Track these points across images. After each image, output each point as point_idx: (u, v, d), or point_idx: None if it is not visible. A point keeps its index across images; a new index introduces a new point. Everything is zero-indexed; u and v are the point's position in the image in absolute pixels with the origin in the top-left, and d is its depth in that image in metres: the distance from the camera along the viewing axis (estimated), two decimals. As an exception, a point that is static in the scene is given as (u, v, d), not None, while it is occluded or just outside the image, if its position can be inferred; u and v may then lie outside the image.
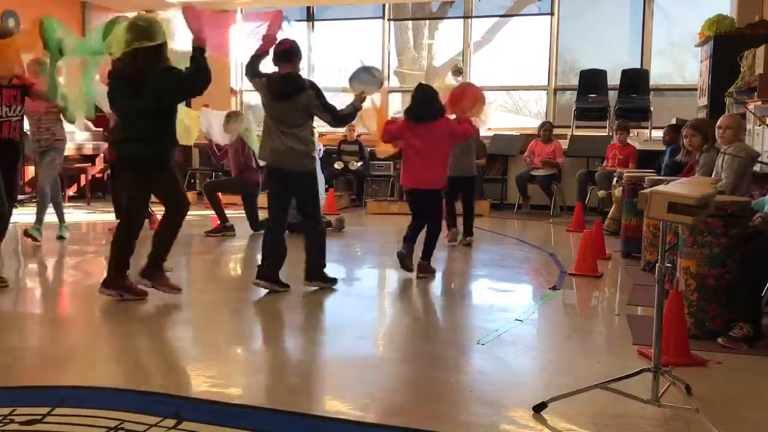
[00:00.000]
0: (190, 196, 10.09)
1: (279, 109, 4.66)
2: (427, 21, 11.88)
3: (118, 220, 4.67)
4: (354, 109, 4.88)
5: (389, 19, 11.18)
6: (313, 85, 4.69)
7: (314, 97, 4.65)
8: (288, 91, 4.62)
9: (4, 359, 3.41)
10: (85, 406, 2.79)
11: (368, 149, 10.19)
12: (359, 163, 10.11)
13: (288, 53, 4.66)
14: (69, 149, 9.80)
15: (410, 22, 11.88)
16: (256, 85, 4.81)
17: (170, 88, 4.25)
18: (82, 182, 10.35)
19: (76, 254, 6.24)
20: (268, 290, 4.74)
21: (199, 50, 4.22)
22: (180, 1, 10.95)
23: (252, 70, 4.81)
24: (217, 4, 10.95)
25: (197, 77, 4.23)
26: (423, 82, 5.63)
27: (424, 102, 5.25)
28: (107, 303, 4.53)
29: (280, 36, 4.77)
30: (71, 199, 10.14)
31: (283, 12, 4.81)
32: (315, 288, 4.85)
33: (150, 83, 4.17)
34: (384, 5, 10.98)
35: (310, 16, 11.39)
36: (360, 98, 4.90)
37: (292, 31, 4.83)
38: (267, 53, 4.75)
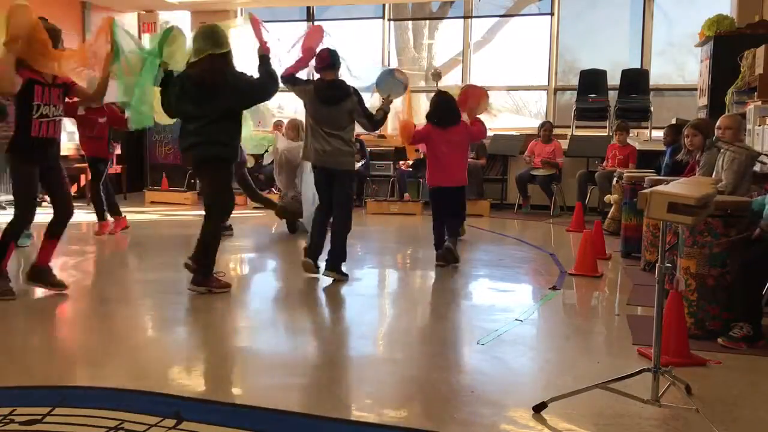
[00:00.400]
0: (190, 196, 10.16)
1: (325, 113, 5.01)
2: (427, 21, 11.88)
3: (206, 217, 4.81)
4: (384, 114, 5.23)
5: (389, 19, 11.18)
6: (356, 92, 5.06)
7: (357, 103, 5.04)
8: (336, 96, 4.98)
9: (4, 359, 3.41)
10: (85, 406, 2.79)
11: (368, 149, 10.19)
12: (360, 163, 10.09)
13: (332, 63, 5.01)
14: (69, 149, 9.84)
15: (410, 22, 11.88)
16: (299, 91, 5.12)
17: (243, 93, 4.56)
18: (82, 182, 10.35)
19: (76, 254, 6.24)
20: (312, 274, 5.08)
21: (264, 58, 4.61)
22: (180, 2, 10.97)
23: (294, 79, 5.11)
24: (217, 4, 10.97)
25: (268, 84, 4.63)
26: (441, 89, 5.99)
27: (446, 108, 5.68)
28: (107, 303, 4.53)
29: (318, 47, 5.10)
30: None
31: (323, 27, 5.10)
32: (331, 279, 5.12)
33: (224, 87, 4.45)
34: (384, 5, 10.98)
35: (310, 16, 11.40)
36: (387, 102, 5.27)
37: (329, 40, 5.19)
38: (307, 65, 5.04)
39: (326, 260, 5.15)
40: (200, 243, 4.68)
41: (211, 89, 4.45)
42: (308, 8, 11.33)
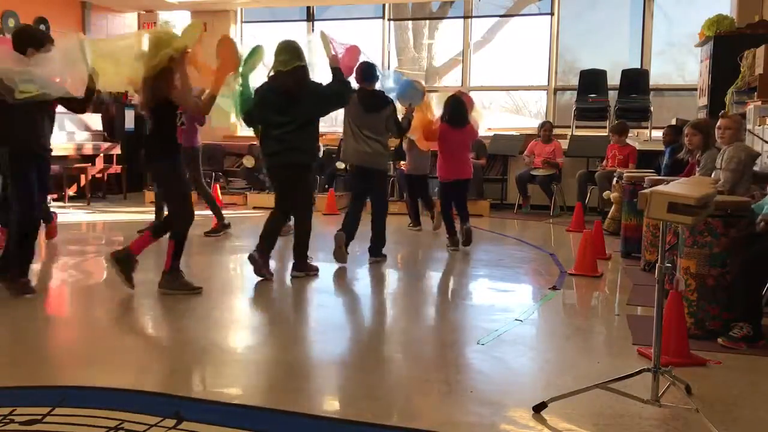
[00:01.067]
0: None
1: (367, 119, 5.62)
2: (427, 21, 11.88)
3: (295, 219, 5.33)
4: (409, 122, 5.97)
5: (389, 19, 11.18)
6: (392, 102, 5.77)
7: (392, 112, 5.74)
8: (378, 104, 5.64)
9: (4, 359, 3.41)
10: (85, 406, 2.79)
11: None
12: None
13: (372, 75, 5.69)
14: (69, 149, 9.84)
15: (410, 22, 11.88)
16: None
17: (324, 100, 5.07)
18: (82, 182, 10.35)
19: (77, 254, 6.24)
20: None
21: (337, 69, 5.12)
22: (180, 2, 10.97)
23: None
24: (217, 4, 10.98)
25: (344, 91, 5.17)
26: (454, 94, 6.64)
27: (460, 111, 6.37)
28: (107, 303, 4.53)
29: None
30: (71, 199, 10.15)
31: (359, 47, 5.56)
32: (377, 261, 5.88)
33: (307, 95, 4.94)
34: (384, 5, 10.98)
35: (310, 16, 11.40)
36: (410, 110, 5.98)
37: (365, 56, 5.68)
38: None
39: (369, 248, 5.90)
40: (295, 238, 5.28)
41: (295, 98, 4.90)
42: (308, 8, 11.34)
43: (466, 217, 6.58)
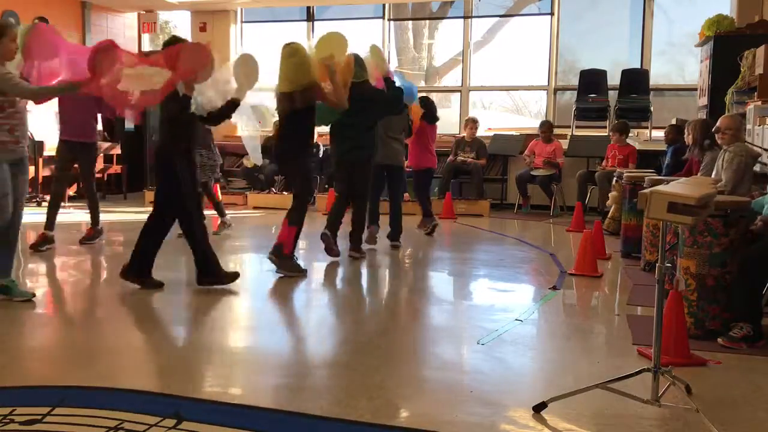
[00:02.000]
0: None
1: (391, 120, 6.33)
2: (427, 21, 11.88)
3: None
4: (412, 122, 6.81)
5: (389, 19, 11.18)
6: (407, 105, 6.41)
7: (408, 113, 6.59)
8: (400, 107, 6.20)
9: (4, 359, 3.41)
10: (85, 406, 2.79)
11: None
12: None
13: (395, 81, 6.22)
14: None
15: (410, 22, 11.88)
16: None
17: (386, 105, 5.89)
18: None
19: (77, 254, 6.24)
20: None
21: (389, 80, 5.95)
22: (180, 2, 10.97)
23: None
24: (218, 4, 10.98)
25: (400, 98, 5.99)
26: (427, 96, 7.55)
27: (434, 110, 7.27)
28: (107, 303, 4.53)
29: None
30: (71, 199, 10.13)
31: None
32: (397, 244, 6.60)
33: (374, 102, 5.72)
34: (384, 5, 10.98)
35: (310, 16, 11.40)
36: (409, 111, 6.65)
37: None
38: None
39: (389, 234, 6.60)
40: (353, 222, 5.96)
41: (365, 104, 5.61)
42: (308, 8, 11.33)
43: (428, 213, 7.32)
